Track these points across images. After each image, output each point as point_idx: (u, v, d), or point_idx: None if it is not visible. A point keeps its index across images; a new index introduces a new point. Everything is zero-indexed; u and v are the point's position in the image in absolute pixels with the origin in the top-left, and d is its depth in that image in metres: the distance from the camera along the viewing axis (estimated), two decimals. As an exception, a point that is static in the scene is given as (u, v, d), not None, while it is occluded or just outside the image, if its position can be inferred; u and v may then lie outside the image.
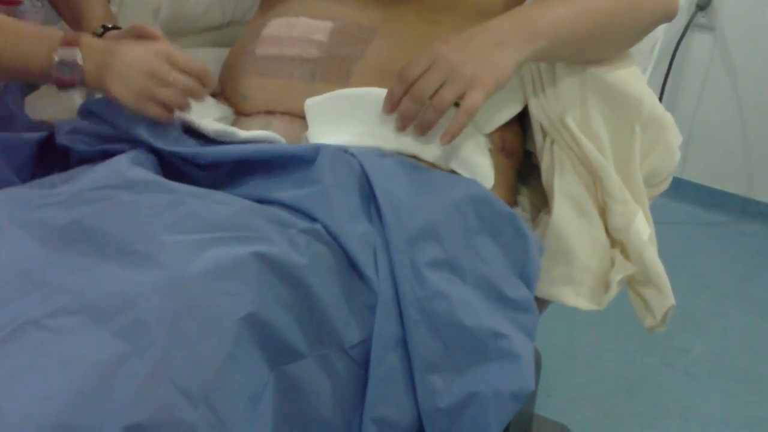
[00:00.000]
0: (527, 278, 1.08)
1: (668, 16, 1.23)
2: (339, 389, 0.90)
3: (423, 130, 1.10)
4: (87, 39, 1.07)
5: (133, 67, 1.05)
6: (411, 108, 1.08)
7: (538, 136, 1.24)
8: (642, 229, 1.18)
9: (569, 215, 1.18)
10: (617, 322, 2.19)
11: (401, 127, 1.10)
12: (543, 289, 1.16)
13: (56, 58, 1.04)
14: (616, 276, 1.17)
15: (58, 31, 1.07)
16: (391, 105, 1.10)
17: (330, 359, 0.89)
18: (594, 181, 1.19)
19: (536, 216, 1.28)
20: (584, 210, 1.19)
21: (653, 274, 1.18)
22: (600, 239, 1.19)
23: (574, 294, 1.17)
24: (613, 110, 1.19)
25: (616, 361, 2.03)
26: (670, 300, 1.19)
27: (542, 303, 1.19)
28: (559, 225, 1.18)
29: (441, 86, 1.06)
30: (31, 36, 1.06)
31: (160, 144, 1.05)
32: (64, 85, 1.06)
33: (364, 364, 0.92)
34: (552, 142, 1.21)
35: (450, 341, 0.95)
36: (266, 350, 0.82)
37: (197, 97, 1.10)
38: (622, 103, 1.19)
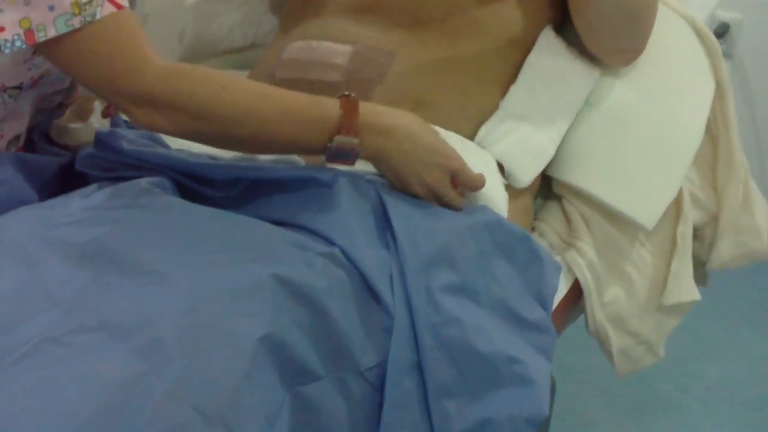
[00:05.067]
0: (543, 299, 1.08)
1: None
2: (354, 411, 0.90)
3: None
4: (366, 118, 1.01)
5: (418, 180, 1.04)
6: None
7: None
8: None
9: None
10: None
11: None
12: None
13: (334, 145, 1.00)
14: None
15: (332, 103, 1.01)
16: None
17: (346, 381, 0.89)
18: None
19: (557, 243, 1.29)
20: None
21: None
22: None
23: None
24: None
25: (629, 387, 2.02)
26: None
27: (559, 324, 1.19)
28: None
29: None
30: (308, 114, 1.01)
31: (175, 163, 1.04)
32: (334, 163, 1.03)
33: (379, 387, 0.92)
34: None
35: (464, 367, 0.95)
36: (282, 371, 0.83)
37: None
38: None
